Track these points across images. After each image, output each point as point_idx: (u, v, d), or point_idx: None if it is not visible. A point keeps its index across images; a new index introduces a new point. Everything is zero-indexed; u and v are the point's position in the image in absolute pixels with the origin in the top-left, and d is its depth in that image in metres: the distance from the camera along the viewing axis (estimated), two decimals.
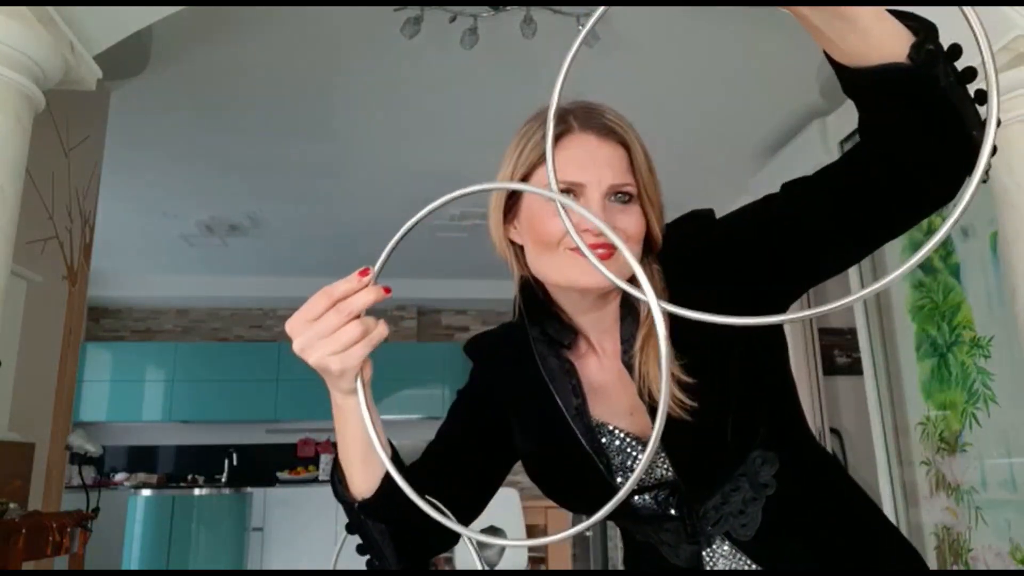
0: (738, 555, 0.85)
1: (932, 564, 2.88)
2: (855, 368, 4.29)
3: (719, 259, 0.82)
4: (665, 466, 0.85)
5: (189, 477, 6.63)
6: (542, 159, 0.82)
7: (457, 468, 0.92)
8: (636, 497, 0.86)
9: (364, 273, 0.66)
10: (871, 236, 0.76)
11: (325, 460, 6.60)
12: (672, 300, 0.73)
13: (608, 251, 0.76)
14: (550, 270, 0.82)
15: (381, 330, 0.69)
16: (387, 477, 0.80)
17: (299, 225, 5.47)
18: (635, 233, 0.81)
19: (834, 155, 3.56)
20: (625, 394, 0.86)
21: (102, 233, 3.66)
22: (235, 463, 6.75)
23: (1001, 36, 1.87)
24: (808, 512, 0.86)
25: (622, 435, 0.86)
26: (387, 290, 0.68)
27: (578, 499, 0.88)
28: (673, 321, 0.67)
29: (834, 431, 4.55)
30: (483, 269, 6.69)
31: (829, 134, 3.63)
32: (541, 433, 0.88)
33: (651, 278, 0.78)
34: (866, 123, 0.69)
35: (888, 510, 3.11)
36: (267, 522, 6.22)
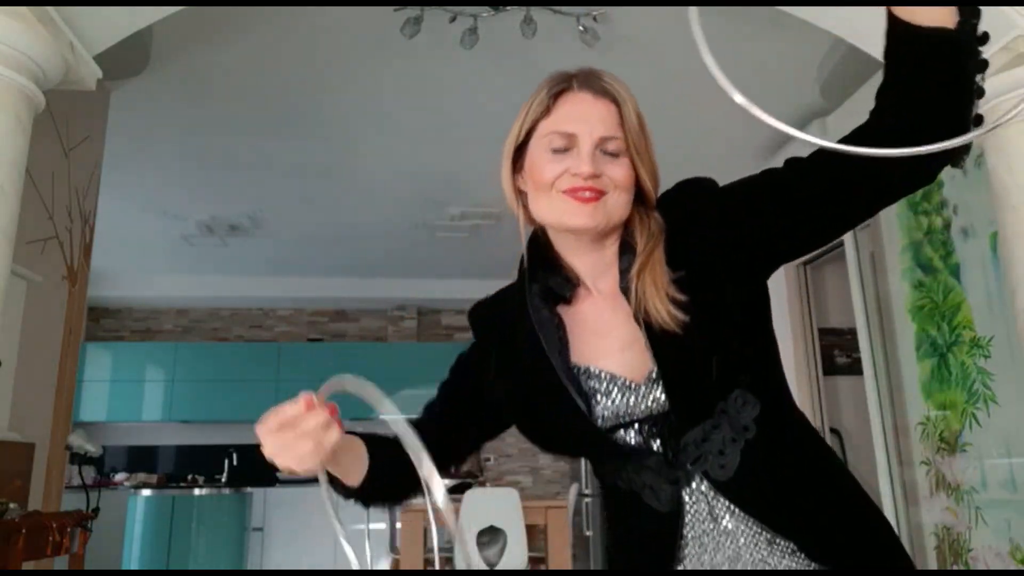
0: (717, 497, 0.88)
1: (932, 564, 2.88)
2: (855, 368, 4.29)
3: (725, 210, 0.90)
4: (652, 398, 0.89)
5: (189, 477, 6.63)
6: (543, 114, 0.94)
7: (447, 426, 1.05)
8: (621, 431, 0.91)
9: (309, 404, 0.79)
10: (867, 201, 0.86)
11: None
12: (675, 245, 0.90)
13: (595, 195, 0.88)
14: (546, 212, 0.93)
15: (332, 437, 0.80)
16: (367, 475, 0.94)
17: (299, 225, 5.47)
18: (623, 182, 0.90)
19: None
20: (618, 329, 0.92)
21: (102, 233, 3.66)
22: (235, 463, 6.75)
23: (1001, 36, 1.87)
24: (784, 461, 0.89)
25: (607, 376, 0.91)
26: (333, 410, 0.81)
27: (564, 441, 0.96)
28: (669, 237, 0.91)
29: (834, 431, 4.55)
30: (483, 269, 6.68)
31: (829, 134, 3.64)
32: (530, 380, 0.95)
33: (645, 226, 0.93)
34: (893, 80, 0.78)
35: (888, 510, 3.11)
36: (267, 522, 6.22)
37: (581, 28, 2.93)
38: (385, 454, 0.95)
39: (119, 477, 6.45)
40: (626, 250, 0.94)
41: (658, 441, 0.90)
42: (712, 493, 0.88)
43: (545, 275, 0.97)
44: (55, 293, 3.04)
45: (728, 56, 3.43)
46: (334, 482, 0.94)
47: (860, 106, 3.35)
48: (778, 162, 0.92)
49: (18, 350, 2.74)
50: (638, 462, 0.91)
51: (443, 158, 4.32)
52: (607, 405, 0.90)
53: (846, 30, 2.22)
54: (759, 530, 0.87)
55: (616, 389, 0.91)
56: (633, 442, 0.91)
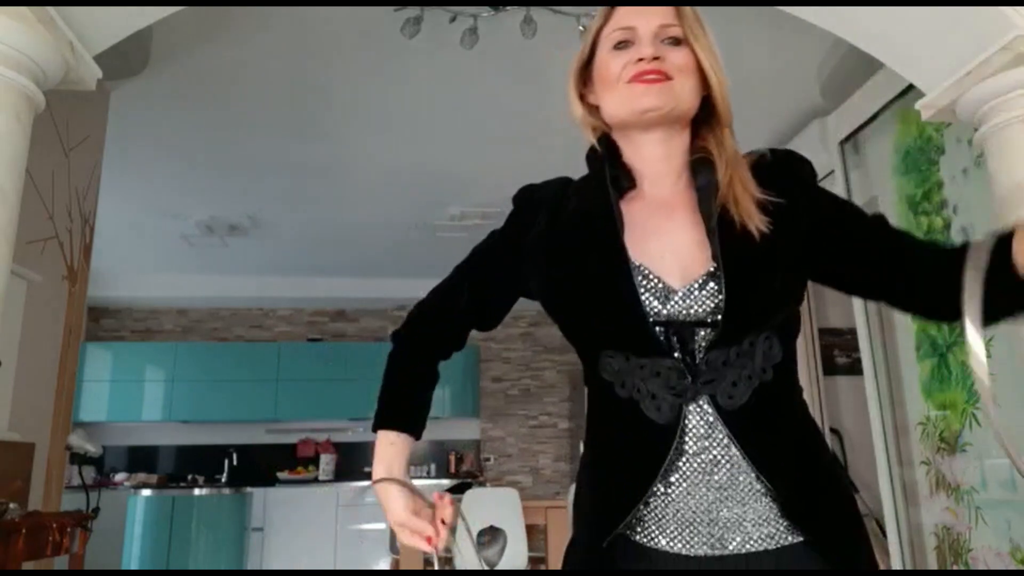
0: (715, 424, 0.88)
1: (932, 564, 2.88)
2: (855, 368, 4.29)
3: (819, 195, 0.98)
4: (693, 301, 0.90)
5: (189, 477, 6.63)
6: (604, 22, 0.99)
7: (463, 300, 1.09)
8: (657, 328, 0.90)
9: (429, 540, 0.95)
10: (888, 295, 0.99)
11: (325, 460, 6.60)
12: (772, 182, 0.93)
13: (660, 75, 0.92)
14: (617, 105, 0.95)
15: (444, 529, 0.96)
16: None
17: (299, 225, 5.47)
18: (686, 66, 0.94)
19: (834, 155, 3.56)
20: (671, 234, 0.94)
21: (102, 233, 3.66)
22: (235, 463, 6.75)
23: (1001, 36, 1.87)
24: (786, 416, 0.93)
25: (652, 274, 0.92)
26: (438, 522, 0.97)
27: (594, 326, 0.95)
28: (767, 174, 0.95)
29: (834, 431, 4.55)
30: None
31: (829, 134, 3.63)
32: (578, 261, 0.95)
33: (720, 141, 0.96)
34: (994, 306, 0.85)
35: (888, 510, 3.11)
36: (267, 522, 6.22)
37: (581, 28, 2.93)
38: (419, 423, 1.14)
39: (119, 477, 6.45)
40: (701, 164, 0.96)
41: (678, 351, 0.89)
42: (713, 419, 0.88)
43: (609, 169, 0.98)
44: (55, 293, 3.04)
45: (728, 56, 3.42)
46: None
47: (860, 106, 3.35)
48: None
49: (18, 350, 2.74)
50: (653, 367, 0.89)
51: (443, 158, 4.32)
52: (648, 300, 0.91)
53: (846, 30, 2.22)
54: (746, 467, 0.87)
55: (659, 286, 0.91)
56: (661, 342, 0.90)
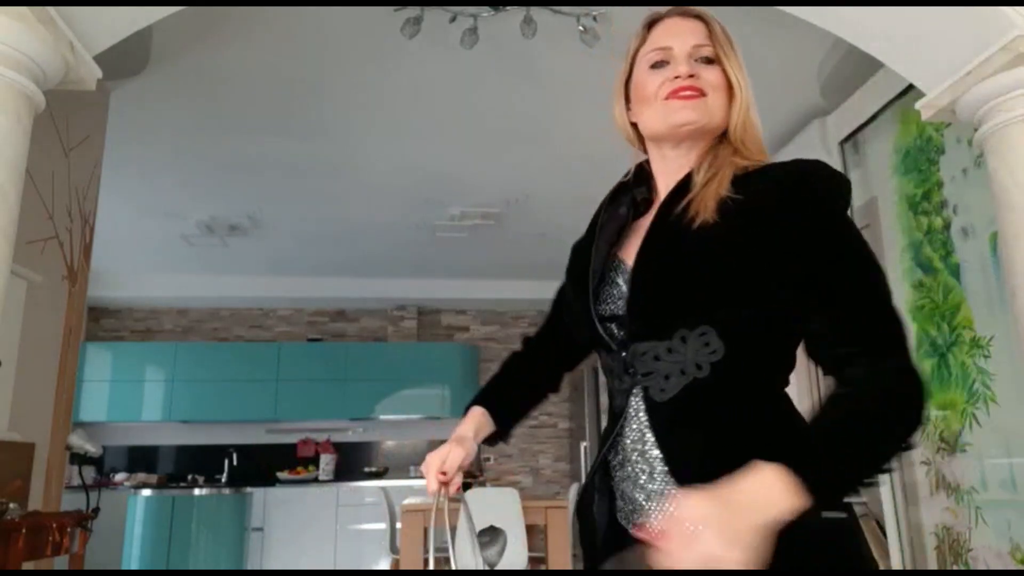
0: (644, 422, 0.93)
1: (932, 564, 2.88)
2: None
3: (804, 218, 0.89)
4: (614, 300, 0.98)
5: (189, 477, 6.63)
6: (641, 43, 1.05)
7: (552, 337, 1.23)
8: (612, 324, 0.98)
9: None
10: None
11: (325, 460, 6.60)
12: (752, 188, 0.92)
13: (695, 92, 0.97)
14: (654, 120, 1.01)
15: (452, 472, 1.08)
16: (499, 431, 1.20)
17: (299, 225, 5.47)
18: (718, 83, 0.99)
19: (834, 155, 3.56)
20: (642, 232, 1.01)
21: (102, 233, 3.66)
22: (235, 463, 6.75)
23: (1001, 36, 1.87)
24: (721, 415, 0.89)
25: (622, 267, 0.99)
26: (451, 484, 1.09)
27: (578, 324, 1.06)
28: (756, 175, 0.94)
29: None
30: (483, 269, 6.68)
31: (829, 134, 3.63)
32: (577, 266, 1.07)
33: (713, 159, 0.98)
34: None
35: (888, 510, 3.11)
36: (267, 522, 6.22)
37: (581, 28, 2.93)
38: (508, 406, 1.21)
39: (119, 477, 6.45)
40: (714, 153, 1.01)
41: (615, 346, 0.97)
42: (643, 410, 0.93)
43: (636, 187, 1.07)
44: (55, 293, 3.04)
45: None
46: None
47: (860, 106, 3.35)
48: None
49: (18, 350, 2.74)
50: (609, 361, 0.99)
51: (443, 158, 4.32)
52: (610, 293, 0.98)
53: (846, 30, 2.22)
54: (659, 459, 0.91)
55: (621, 279, 0.98)
56: (609, 338, 0.98)
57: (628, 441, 0.95)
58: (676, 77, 0.98)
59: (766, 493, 0.73)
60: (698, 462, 0.87)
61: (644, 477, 0.92)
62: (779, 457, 0.76)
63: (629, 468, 0.95)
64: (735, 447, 0.85)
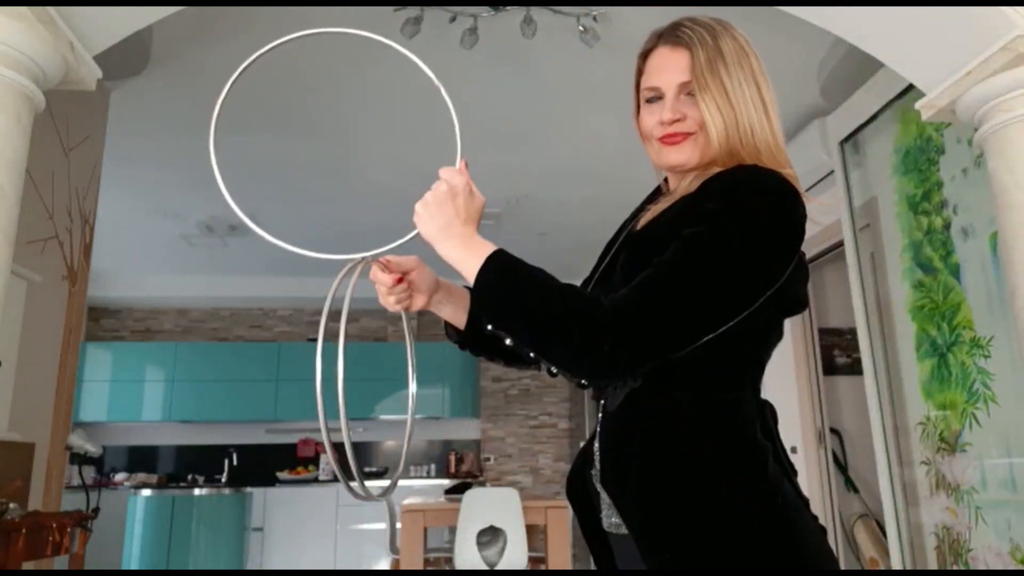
0: (596, 432, 1.00)
1: (932, 564, 2.88)
2: (855, 368, 4.29)
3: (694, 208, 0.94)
4: None
5: (189, 477, 6.64)
6: (638, 75, 1.07)
7: None
8: None
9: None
10: None
11: (325, 460, 6.60)
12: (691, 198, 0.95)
13: (682, 136, 1.00)
14: (654, 158, 1.06)
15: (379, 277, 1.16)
16: (468, 320, 1.18)
17: (299, 225, 5.47)
18: (701, 121, 0.99)
19: (834, 155, 3.56)
20: None
21: (102, 233, 3.66)
22: (235, 463, 6.75)
23: (1001, 36, 1.87)
24: (647, 421, 0.92)
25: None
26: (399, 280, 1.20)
27: None
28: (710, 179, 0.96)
29: (834, 431, 4.55)
30: None
31: (829, 134, 3.63)
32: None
33: (705, 169, 0.99)
34: None
35: (888, 510, 3.11)
36: (267, 522, 6.22)
37: (581, 28, 2.93)
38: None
39: (119, 477, 6.45)
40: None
41: None
42: (599, 423, 1.00)
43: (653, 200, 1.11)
44: (55, 293, 3.04)
45: None
46: (447, 327, 1.18)
47: (860, 106, 3.35)
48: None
49: (18, 350, 2.74)
50: None
51: (443, 158, 4.32)
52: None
53: (846, 30, 2.22)
54: (599, 461, 0.97)
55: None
56: None
57: (601, 445, 1.00)
58: (663, 123, 1.00)
59: (460, 214, 1.06)
60: (626, 471, 0.91)
61: (600, 479, 0.98)
62: (691, 458, 0.87)
63: (599, 470, 1.00)
64: (656, 454, 0.90)
